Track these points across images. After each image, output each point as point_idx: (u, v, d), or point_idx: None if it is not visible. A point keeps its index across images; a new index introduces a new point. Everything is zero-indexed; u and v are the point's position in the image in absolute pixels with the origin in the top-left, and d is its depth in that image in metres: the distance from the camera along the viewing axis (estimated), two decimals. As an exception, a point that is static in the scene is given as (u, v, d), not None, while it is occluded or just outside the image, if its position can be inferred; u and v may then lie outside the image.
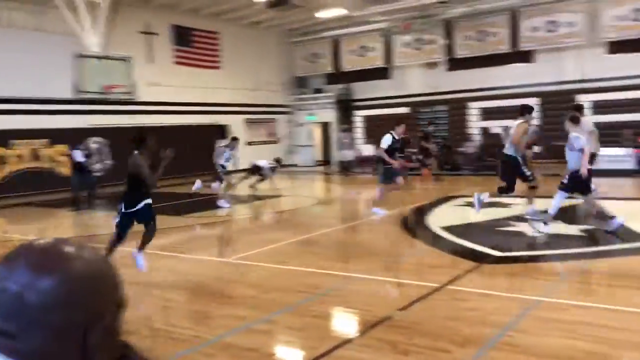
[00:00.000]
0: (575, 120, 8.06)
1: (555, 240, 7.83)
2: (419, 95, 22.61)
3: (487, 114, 20.93)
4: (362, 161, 22.16)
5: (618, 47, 18.46)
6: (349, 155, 22.15)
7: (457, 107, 21.99)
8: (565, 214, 9.77)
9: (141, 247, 6.56)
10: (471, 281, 5.96)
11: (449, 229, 8.87)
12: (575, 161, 7.74)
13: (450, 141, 20.61)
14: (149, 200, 6.43)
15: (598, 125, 17.32)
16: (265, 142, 23.90)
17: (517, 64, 20.37)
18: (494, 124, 20.77)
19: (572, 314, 4.77)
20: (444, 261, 6.97)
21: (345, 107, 24.63)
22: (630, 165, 15.27)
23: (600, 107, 18.76)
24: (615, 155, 15.76)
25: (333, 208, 13.70)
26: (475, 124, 21.39)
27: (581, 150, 7.69)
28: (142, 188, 6.35)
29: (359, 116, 24.54)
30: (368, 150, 22.31)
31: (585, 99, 19.35)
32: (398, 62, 22.88)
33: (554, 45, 19.54)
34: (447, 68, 21.91)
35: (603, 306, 4.96)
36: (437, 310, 5.01)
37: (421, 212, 10.83)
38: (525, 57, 20.24)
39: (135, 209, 6.34)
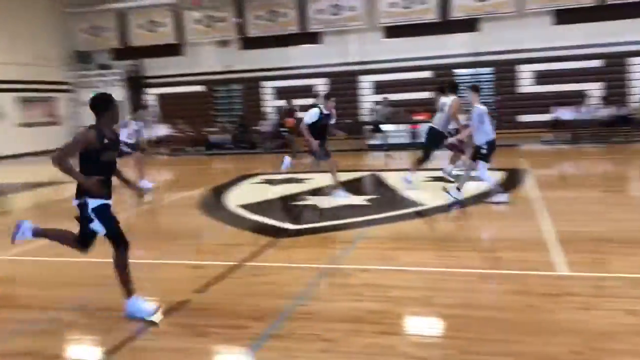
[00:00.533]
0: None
1: (345, 210, 8.39)
2: (214, 73, 22.36)
3: (281, 93, 21.56)
4: (157, 142, 21.26)
5: (393, 32, 20.31)
6: (147, 135, 21.03)
7: (251, 86, 22.25)
8: (353, 185, 10.54)
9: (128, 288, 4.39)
10: (269, 256, 6.10)
11: (247, 206, 8.97)
12: (486, 133, 8.28)
13: (246, 120, 20.80)
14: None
15: (379, 104, 19.11)
16: (43, 124, 21.53)
17: (307, 45, 21.25)
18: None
19: (359, 278, 5.15)
20: (243, 239, 7.02)
21: (136, 85, 23.34)
22: (406, 139, 16.96)
23: (379, 87, 20.53)
24: (394, 131, 17.41)
25: (127, 192, 12.92)
26: (270, 103, 21.88)
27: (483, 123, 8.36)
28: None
29: (151, 94, 23.46)
30: (162, 130, 21.45)
31: (366, 80, 21.03)
32: (190, 39, 22.32)
33: (338, 27, 20.76)
34: (240, 47, 22.00)
35: (386, 268, 5.43)
36: (235, 288, 5.03)
37: (219, 192, 10.78)
38: (313, 38, 21.19)
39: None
